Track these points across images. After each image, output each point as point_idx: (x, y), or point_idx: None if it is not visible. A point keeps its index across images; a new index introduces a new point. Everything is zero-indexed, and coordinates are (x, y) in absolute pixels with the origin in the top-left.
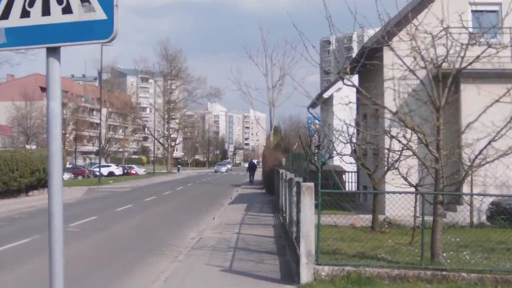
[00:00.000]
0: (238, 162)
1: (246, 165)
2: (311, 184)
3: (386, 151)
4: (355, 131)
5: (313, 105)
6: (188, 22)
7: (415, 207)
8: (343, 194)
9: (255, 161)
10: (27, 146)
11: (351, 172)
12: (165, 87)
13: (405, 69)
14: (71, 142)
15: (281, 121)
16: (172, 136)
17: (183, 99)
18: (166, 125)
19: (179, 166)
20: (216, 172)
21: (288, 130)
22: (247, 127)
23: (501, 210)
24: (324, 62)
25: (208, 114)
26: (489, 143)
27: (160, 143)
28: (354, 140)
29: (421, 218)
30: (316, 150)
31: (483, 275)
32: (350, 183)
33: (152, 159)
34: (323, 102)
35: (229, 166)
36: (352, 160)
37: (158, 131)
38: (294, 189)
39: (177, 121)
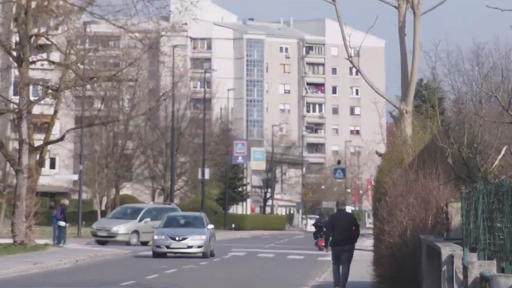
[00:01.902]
0: (294, 223)
1: (312, 223)
2: None
3: None
4: None
5: None
6: None
7: None
8: None
9: (349, 208)
10: None
11: None
12: None
13: None
14: None
15: (441, 68)
16: (36, 114)
17: None
18: (19, 73)
19: (63, 224)
20: None
21: (472, 101)
22: (317, 86)
23: None
24: None
25: (178, 39)
26: None
27: None
28: None
29: None
30: None
31: None
32: None
33: None
34: None
35: (210, 228)
36: None
37: None
38: None
39: (56, 58)
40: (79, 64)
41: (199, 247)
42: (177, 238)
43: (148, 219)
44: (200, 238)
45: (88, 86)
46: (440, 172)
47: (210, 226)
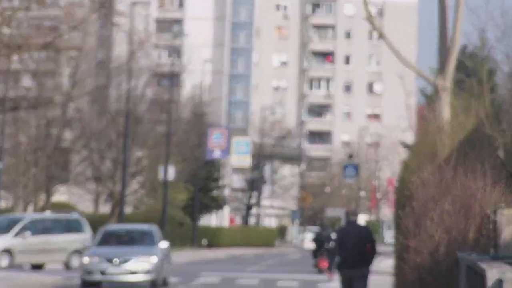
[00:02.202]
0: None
1: (312, 238)
2: None
3: None
4: None
5: None
6: None
7: None
8: None
9: (363, 217)
10: None
11: None
12: None
13: None
14: None
15: (493, 31)
16: None
17: None
18: None
19: None
20: None
21: None
22: (325, 56)
23: None
24: None
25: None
26: None
27: None
28: None
29: None
30: None
31: None
32: None
33: None
34: None
35: (163, 246)
36: None
37: None
38: None
39: None
40: (4, 28)
41: (147, 272)
42: (115, 261)
43: (29, 233)
44: (148, 261)
45: (15, 57)
46: (486, 169)
47: (164, 244)
